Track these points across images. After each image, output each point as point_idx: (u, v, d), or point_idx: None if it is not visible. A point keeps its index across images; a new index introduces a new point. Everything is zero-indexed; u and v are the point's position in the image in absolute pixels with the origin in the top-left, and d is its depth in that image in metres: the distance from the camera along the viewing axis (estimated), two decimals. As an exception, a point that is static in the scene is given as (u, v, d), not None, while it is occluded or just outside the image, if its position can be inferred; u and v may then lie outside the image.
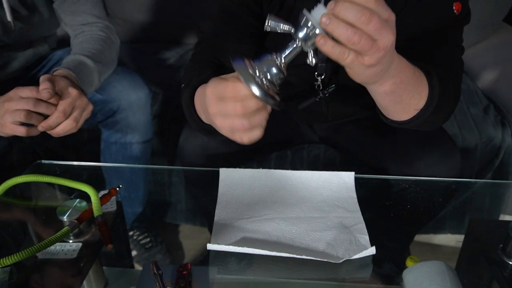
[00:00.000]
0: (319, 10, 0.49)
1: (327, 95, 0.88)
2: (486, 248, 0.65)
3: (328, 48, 0.49)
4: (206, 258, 0.67)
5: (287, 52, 0.53)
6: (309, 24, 0.49)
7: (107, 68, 1.02)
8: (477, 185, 0.92)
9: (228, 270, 0.65)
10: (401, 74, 0.62)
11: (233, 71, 0.55)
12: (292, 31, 0.52)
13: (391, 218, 0.78)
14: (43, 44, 1.15)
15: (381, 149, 0.96)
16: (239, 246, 0.64)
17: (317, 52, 0.53)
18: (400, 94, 0.66)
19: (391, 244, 0.75)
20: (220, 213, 0.73)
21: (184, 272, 0.60)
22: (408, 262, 0.63)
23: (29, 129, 0.79)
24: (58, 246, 0.64)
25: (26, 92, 0.78)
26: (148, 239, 1.04)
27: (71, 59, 0.94)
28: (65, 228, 0.62)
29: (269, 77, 0.54)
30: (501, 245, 0.64)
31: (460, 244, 0.73)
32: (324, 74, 0.87)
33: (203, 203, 0.93)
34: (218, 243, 0.65)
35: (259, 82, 0.53)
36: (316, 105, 0.95)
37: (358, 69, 0.53)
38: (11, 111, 0.78)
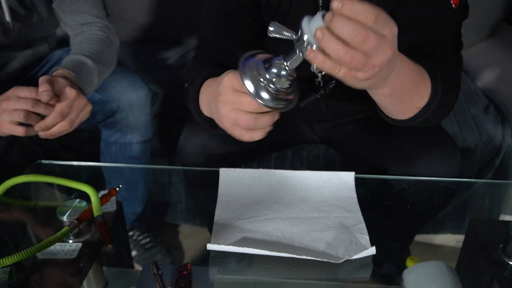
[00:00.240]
0: (317, 21, 0.47)
1: (328, 91, 0.87)
2: (486, 248, 0.65)
3: (318, 62, 0.48)
4: (206, 258, 0.67)
5: (290, 60, 0.53)
6: (304, 37, 0.48)
7: (106, 68, 1.02)
8: (477, 185, 0.92)
9: (228, 270, 0.65)
10: (402, 78, 0.61)
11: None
12: (294, 37, 0.50)
13: (391, 218, 0.78)
14: (42, 44, 1.15)
15: (381, 149, 0.96)
16: (239, 246, 0.64)
17: None
18: (401, 96, 0.65)
19: (391, 244, 0.75)
20: (220, 213, 0.73)
21: (184, 272, 0.60)
22: (408, 262, 0.63)
23: (27, 129, 0.79)
24: (58, 246, 0.63)
25: (24, 92, 0.78)
26: (148, 239, 1.04)
27: (70, 59, 0.94)
28: (65, 228, 0.62)
29: (276, 84, 0.54)
30: (501, 245, 0.63)
31: (460, 244, 0.73)
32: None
33: (203, 203, 0.93)
34: (218, 243, 0.65)
35: (266, 90, 0.53)
36: (317, 104, 0.95)
37: (351, 82, 0.52)
38: (9, 110, 0.77)
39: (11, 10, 0.97)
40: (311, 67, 0.55)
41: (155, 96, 1.39)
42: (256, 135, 0.59)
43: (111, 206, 0.73)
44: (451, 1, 0.75)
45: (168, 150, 1.37)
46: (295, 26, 0.85)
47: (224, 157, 0.93)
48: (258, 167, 0.84)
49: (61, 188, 0.77)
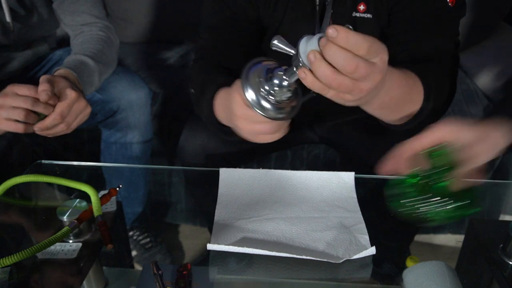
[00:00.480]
0: (313, 43, 0.48)
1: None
2: (486, 248, 0.65)
3: (308, 83, 0.49)
4: (206, 258, 0.67)
5: (289, 73, 0.53)
6: (299, 56, 0.50)
7: (107, 68, 1.02)
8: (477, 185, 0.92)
9: (228, 270, 0.65)
10: (391, 93, 0.61)
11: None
12: (293, 53, 0.51)
13: (391, 218, 0.78)
14: (42, 44, 1.15)
15: (381, 149, 0.95)
16: (239, 246, 0.64)
17: None
18: (391, 108, 0.66)
19: (391, 244, 0.75)
20: (220, 213, 0.73)
21: (184, 272, 0.60)
22: (408, 262, 0.63)
23: (26, 126, 0.79)
24: (58, 246, 0.63)
25: (23, 90, 0.77)
26: (148, 239, 1.04)
27: (72, 59, 0.94)
28: (65, 228, 0.62)
29: (277, 95, 0.55)
30: (501, 245, 0.63)
31: (460, 244, 0.73)
32: None
33: (203, 203, 0.93)
34: (218, 243, 0.65)
35: (267, 101, 0.55)
36: (315, 103, 0.95)
37: (339, 102, 0.54)
38: (7, 107, 0.76)
39: (11, 11, 0.97)
40: None
41: (155, 96, 1.39)
42: (277, 136, 0.61)
43: (111, 206, 0.73)
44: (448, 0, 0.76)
45: (168, 150, 1.37)
46: (292, 28, 0.85)
47: (224, 157, 0.93)
48: (258, 167, 0.84)
49: (61, 188, 0.77)
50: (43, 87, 0.77)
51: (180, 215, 0.98)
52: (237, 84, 0.59)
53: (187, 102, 1.40)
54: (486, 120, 0.60)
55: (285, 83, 0.54)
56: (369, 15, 0.80)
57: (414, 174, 0.59)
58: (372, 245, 0.65)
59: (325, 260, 0.63)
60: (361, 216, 0.73)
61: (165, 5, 1.75)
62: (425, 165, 0.59)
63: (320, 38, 0.47)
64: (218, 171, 0.82)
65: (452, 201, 0.57)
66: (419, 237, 0.80)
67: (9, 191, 0.75)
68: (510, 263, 0.62)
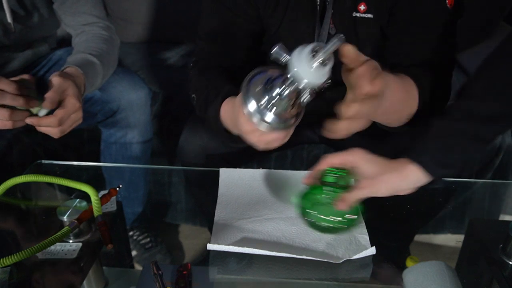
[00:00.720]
0: (304, 56, 0.50)
1: (322, 90, 0.88)
2: (486, 248, 0.65)
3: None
4: (206, 258, 0.67)
5: (288, 85, 0.53)
6: (290, 72, 0.51)
7: (109, 69, 1.02)
8: (477, 185, 0.92)
9: (228, 270, 0.65)
10: (390, 98, 0.63)
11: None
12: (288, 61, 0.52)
13: (391, 218, 0.78)
14: (43, 44, 1.15)
15: (382, 149, 0.95)
16: (239, 246, 0.64)
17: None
18: (389, 113, 0.69)
19: (391, 244, 0.75)
20: (220, 213, 0.73)
21: (184, 272, 0.60)
22: (408, 262, 0.63)
23: (14, 123, 0.77)
24: (58, 246, 0.63)
25: (2, 85, 0.75)
26: (148, 239, 1.04)
27: (80, 57, 0.93)
28: (65, 228, 0.62)
29: (278, 106, 0.55)
30: (501, 245, 0.64)
31: (460, 244, 0.73)
32: None
33: (203, 203, 0.93)
34: (218, 243, 0.65)
35: (268, 114, 0.55)
36: (315, 103, 0.95)
37: None
38: None
39: (12, 12, 0.97)
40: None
41: (155, 96, 1.39)
42: (286, 139, 0.62)
43: (111, 206, 0.73)
44: (446, 1, 0.76)
45: (168, 150, 1.37)
46: (292, 28, 0.85)
47: (224, 157, 0.93)
48: (258, 167, 0.84)
49: (61, 188, 0.77)
50: (51, 96, 0.77)
51: (180, 215, 0.98)
52: (239, 97, 0.59)
53: (187, 102, 1.39)
54: (401, 159, 0.64)
55: (284, 93, 0.54)
56: (369, 15, 0.80)
57: (313, 187, 0.69)
58: (372, 245, 0.66)
59: (325, 260, 0.63)
60: (361, 216, 0.73)
61: (165, 5, 1.75)
62: (320, 181, 0.68)
63: (312, 49, 0.49)
64: (218, 171, 0.82)
65: (335, 217, 0.67)
66: (419, 237, 0.80)
67: (9, 191, 0.75)
68: (510, 263, 0.62)
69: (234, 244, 0.65)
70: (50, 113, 0.79)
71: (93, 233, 0.67)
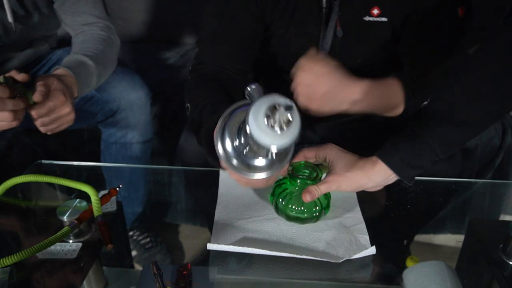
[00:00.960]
0: (260, 117, 0.46)
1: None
2: (486, 248, 0.65)
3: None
4: (206, 258, 0.67)
5: (246, 141, 0.52)
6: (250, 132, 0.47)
7: (106, 69, 1.02)
8: (477, 185, 0.92)
9: (228, 270, 0.65)
10: (365, 101, 0.72)
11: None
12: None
13: (391, 218, 0.78)
14: (43, 44, 1.15)
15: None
16: (239, 246, 0.64)
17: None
18: (371, 110, 0.76)
19: (391, 244, 0.75)
20: (220, 213, 0.73)
21: (184, 272, 0.60)
22: (408, 262, 0.63)
23: (18, 121, 0.79)
24: (58, 246, 0.63)
25: None
26: (148, 239, 1.04)
27: (72, 59, 0.93)
28: (65, 228, 0.62)
29: (243, 156, 0.53)
30: (501, 245, 0.63)
31: (460, 244, 0.73)
32: None
33: (203, 203, 0.93)
34: (218, 243, 0.65)
35: (244, 162, 0.53)
36: None
37: None
38: None
39: (13, 12, 0.97)
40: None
41: (155, 96, 1.39)
42: (270, 183, 0.66)
43: (111, 206, 0.73)
44: (458, 10, 0.77)
45: (168, 150, 1.37)
46: (298, 32, 0.85)
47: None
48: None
49: (61, 188, 0.77)
50: (40, 89, 0.78)
51: (180, 215, 0.98)
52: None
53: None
54: (371, 157, 0.67)
55: (248, 146, 0.51)
56: (384, 19, 0.81)
57: (284, 178, 0.72)
58: (372, 245, 0.66)
59: (325, 260, 0.63)
60: (361, 216, 0.73)
61: (165, 5, 1.75)
62: (293, 173, 0.70)
63: (268, 110, 0.45)
64: (218, 171, 0.82)
65: (300, 207, 0.69)
66: (419, 237, 0.80)
67: (9, 191, 0.75)
68: (510, 263, 0.62)
69: (234, 244, 0.65)
70: None
71: (93, 233, 0.67)
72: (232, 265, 0.65)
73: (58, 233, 0.61)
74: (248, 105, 0.50)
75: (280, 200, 0.70)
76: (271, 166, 0.55)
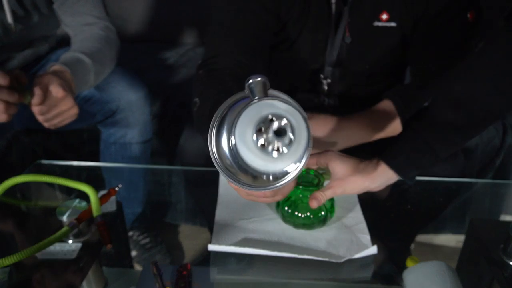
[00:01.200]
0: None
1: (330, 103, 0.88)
2: (486, 248, 0.65)
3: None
4: (206, 258, 0.67)
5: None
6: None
7: (105, 68, 1.02)
8: (477, 185, 0.92)
9: (228, 270, 0.65)
10: (354, 137, 0.78)
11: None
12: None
13: (392, 218, 0.78)
14: (43, 44, 1.15)
15: (384, 148, 0.96)
16: (240, 246, 0.64)
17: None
18: (365, 140, 0.82)
19: (391, 244, 0.75)
20: (220, 214, 0.73)
21: (184, 273, 0.60)
22: (409, 262, 0.63)
23: (9, 115, 0.79)
24: (57, 246, 0.63)
25: None
26: (148, 239, 1.03)
27: (69, 56, 0.94)
28: (65, 228, 0.62)
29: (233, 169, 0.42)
30: (502, 245, 0.63)
31: (460, 244, 0.73)
32: (330, 78, 0.87)
33: (203, 203, 0.93)
34: (219, 244, 0.65)
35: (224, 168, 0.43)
36: (315, 104, 0.95)
37: None
38: None
39: (13, 12, 0.97)
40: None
41: (155, 96, 1.39)
42: (279, 197, 0.61)
43: (110, 206, 0.72)
44: (468, 16, 0.77)
45: (168, 150, 1.36)
46: (308, 38, 0.84)
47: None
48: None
49: (61, 188, 0.76)
50: (38, 93, 0.79)
51: (180, 215, 0.98)
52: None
53: (187, 102, 1.40)
54: (372, 160, 0.68)
55: (236, 160, 0.40)
56: (393, 24, 0.81)
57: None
58: (373, 245, 0.65)
59: (327, 259, 0.63)
60: (362, 216, 0.73)
61: (164, 5, 1.75)
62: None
63: (261, 122, 0.36)
64: (218, 171, 0.82)
65: (306, 213, 0.69)
66: (420, 237, 0.80)
67: (9, 191, 0.75)
68: (511, 263, 0.62)
69: (235, 244, 0.65)
70: None
71: (93, 233, 0.66)
72: (232, 265, 0.65)
73: (58, 233, 0.61)
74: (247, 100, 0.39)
75: (286, 208, 0.69)
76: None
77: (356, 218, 0.73)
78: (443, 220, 0.83)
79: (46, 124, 0.84)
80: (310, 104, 0.94)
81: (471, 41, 0.82)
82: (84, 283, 0.62)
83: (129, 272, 0.76)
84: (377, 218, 0.76)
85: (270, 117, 0.35)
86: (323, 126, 0.82)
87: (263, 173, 0.36)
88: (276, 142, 0.35)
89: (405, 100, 0.83)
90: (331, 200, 0.70)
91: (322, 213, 0.68)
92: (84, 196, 0.69)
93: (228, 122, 0.39)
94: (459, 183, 0.86)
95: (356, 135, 0.83)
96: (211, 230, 0.70)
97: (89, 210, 0.66)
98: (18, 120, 0.98)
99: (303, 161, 0.37)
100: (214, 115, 0.41)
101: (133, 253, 1.01)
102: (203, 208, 0.93)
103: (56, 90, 0.81)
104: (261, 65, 0.86)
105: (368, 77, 0.91)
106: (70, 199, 0.67)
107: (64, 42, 1.17)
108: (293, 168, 0.37)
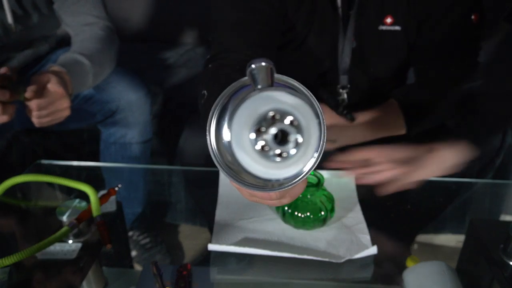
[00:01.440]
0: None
1: (344, 113, 0.88)
2: (486, 248, 0.65)
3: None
4: (206, 258, 0.67)
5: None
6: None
7: (104, 69, 1.02)
8: (477, 185, 0.92)
9: (228, 270, 0.65)
10: (361, 134, 0.79)
11: None
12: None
13: (392, 218, 0.78)
14: (43, 44, 1.15)
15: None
16: (240, 246, 0.64)
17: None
18: (371, 137, 0.84)
19: (391, 244, 0.75)
20: (220, 214, 0.73)
21: (184, 273, 0.60)
22: (409, 262, 0.63)
23: (9, 116, 0.80)
24: (57, 246, 0.63)
25: None
26: (148, 239, 1.03)
27: (67, 57, 0.94)
28: (64, 228, 0.62)
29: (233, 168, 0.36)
30: (502, 245, 0.63)
31: (460, 244, 0.73)
32: (348, 86, 0.88)
33: (203, 203, 0.93)
34: (219, 244, 0.65)
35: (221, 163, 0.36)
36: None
37: None
38: None
39: (13, 12, 0.97)
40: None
41: (155, 96, 1.39)
42: (286, 200, 0.49)
43: (110, 206, 0.72)
44: (472, 18, 0.77)
45: (168, 150, 1.36)
46: (317, 40, 0.83)
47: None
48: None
49: (61, 188, 0.76)
50: (31, 88, 0.79)
51: (180, 215, 0.98)
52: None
53: (187, 102, 1.40)
54: (428, 144, 0.73)
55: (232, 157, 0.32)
56: (397, 28, 0.81)
57: None
58: (373, 245, 0.65)
59: (327, 259, 0.63)
60: (362, 216, 0.73)
61: (164, 5, 1.75)
62: None
63: (262, 120, 0.29)
64: (218, 171, 0.82)
65: (306, 213, 0.68)
66: (420, 237, 0.80)
67: (9, 191, 0.75)
68: (511, 263, 0.62)
69: (235, 244, 0.65)
70: None
71: (93, 233, 0.66)
72: (232, 265, 0.65)
73: (58, 233, 0.61)
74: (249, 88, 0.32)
75: (286, 208, 0.69)
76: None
77: (356, 218, 0.73)
78: (443, 220, 0.83)
79: (36, 121, 0.83)
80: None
81: (475, 42, 0.82)
82: (84, 283, 0.62)
83: (129, 272, 0.76)
84: (377, 218, 0.76)
85: (271, 114, 0.29)
86: (328, 123, 0.83)
87: (264, 180, 0.30)
88: (277, 147, 0.29)
89: (409, 100, 0.83)
90: (331, 200, 0.70)
91: (322, 213, 0.68)
92: (84, 196, 0.69)
93: (229, 114, 0.31)
94: (459, 183, 0.86)
95: (360, 134, 0.83)
96: (211, 230, 0.70)
97: (89, 210, 0.66)
98: (18, 120, 0.97)
99: (314, 162, 0.31)
100: (214, 105, 0.35)
101: (133, 253, 1.01)
102: (203, 208, 0.93)
103: (55, 87, 0.81)
104: (273, 58, 0.85)
105: (372, 80, 0.91)
106: (70, 199, 0.67)
107: (64, 42, 1.17)
108: (303, 170, 0.31)
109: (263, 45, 0.78)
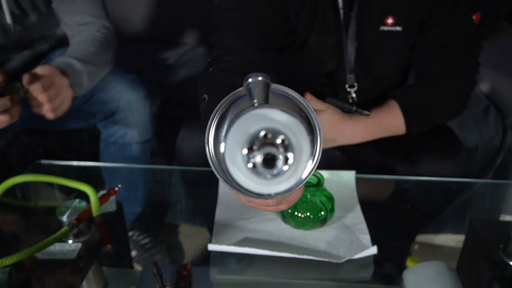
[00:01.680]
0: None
1: (355, 110, 0.88)
2: (486, 248, 0.65)
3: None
4: (206, 258, 0.67)
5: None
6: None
7: (100, 69, 1.02)
8: (477, 185, 0.92)
9: (228, 270, 0.65)
10: (361, 134, 0.82)
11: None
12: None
13: (392, 218, 0.78)
14: (42, 44, 1.15)
15: (385, 148, 0.96)
16: (240, 246, 0.64)
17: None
18: (370, 138, 0.86)
19: (391, 244, 0.75)
20: (220, 214, 0.73)
21: (184, 273, 0.60)
22: (409, 262, 0.63)
23: (18, 117, 0.81)
24: (57, 246, 0.63)
25: None
26: (148, 239, 1.03)
27: (60, 61, 0.94)
28: (64, 228, 0.62)
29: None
30: (502, 245, 0.63)
31: (460, 244, 0.73)
32: (356, 85, 0.88)
33: (203, 203, 0.93)
34: (219, 244, 0.65)
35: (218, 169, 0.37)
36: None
37: None
38: None
39: (12, 13, 0.97)
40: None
41: (155, 97, 1.39)
42: (283, 207, 0.49)
43: (110, 206, 0.72)
44: (474, 18, 0.77)
45: (168, 150, 1.36)
46: (319, 41, 0.84)
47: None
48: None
49: (61, 188, 0.76)
50: (37, 86, 0.80)
51: (180, 215, 0.98)
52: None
53: (187, 102, 1.40)
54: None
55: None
56: (398, 28, 0.81)
57: None
58: (373, 245, 0.65)
59: (327, 260, 0.63)
60: (362, 216, 0.73)
61: (164, 5, 1.75)
62: None
63: (253, 139, 0.29)
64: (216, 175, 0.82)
65: (306, 213, 0.68)
66: (420, 237, 0.80)
67: (9, 191, 0.75)
68: (510, 263, 0.62)
69: (235, 244, 0.65)
70: None
71: (93, 233, 0.66)
72: (232, 265, 0.65)
73: (57, 233, 0.61)
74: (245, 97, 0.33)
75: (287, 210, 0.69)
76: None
77: (356, 218, 0.73)
78: (443, 220, 0.83)
79: (51, 115, 0.84)
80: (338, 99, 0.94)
81: (476, 42, 0.82)
82: (84, 283, 0.62)
83: (129, 272, 0.76)
84: (377, 218, 0.76)
85: (263, 133, 0.29)
86: (329, 122, 0.82)
87: (257, 194, 0.30)
88: (267, 171, 0.29)
89: (409, 100, 0.83)
90: (331, 199, 0.70)
91: (322, 213, 0.68)
92: (84, 196, 0.69)
93: (225, 128, 0.32)
94: (459, 183, 0.86)
95: (360, 133, 0.84)
96: (211, 230, 0.70)
97: (89, 210, 0.66)
98: (18, 120, 0.97)
99: (308, 174, 0.31)
100: (212, 114, 0.36)
101: (133, 253, 1.01)
102: (203, 208, 0.93)
103: (59, 77, 0.83)
104: (270, 65, 0.84)
105: (373, 80, 0.91)
106: (70, 199, 0.67)
107: (64, 42, 1.17)
108: (295, 184, 0.31)
109: (264, 47, 0.78)
